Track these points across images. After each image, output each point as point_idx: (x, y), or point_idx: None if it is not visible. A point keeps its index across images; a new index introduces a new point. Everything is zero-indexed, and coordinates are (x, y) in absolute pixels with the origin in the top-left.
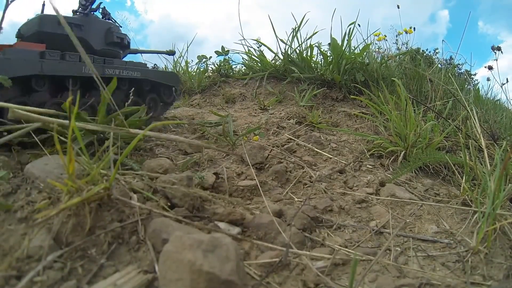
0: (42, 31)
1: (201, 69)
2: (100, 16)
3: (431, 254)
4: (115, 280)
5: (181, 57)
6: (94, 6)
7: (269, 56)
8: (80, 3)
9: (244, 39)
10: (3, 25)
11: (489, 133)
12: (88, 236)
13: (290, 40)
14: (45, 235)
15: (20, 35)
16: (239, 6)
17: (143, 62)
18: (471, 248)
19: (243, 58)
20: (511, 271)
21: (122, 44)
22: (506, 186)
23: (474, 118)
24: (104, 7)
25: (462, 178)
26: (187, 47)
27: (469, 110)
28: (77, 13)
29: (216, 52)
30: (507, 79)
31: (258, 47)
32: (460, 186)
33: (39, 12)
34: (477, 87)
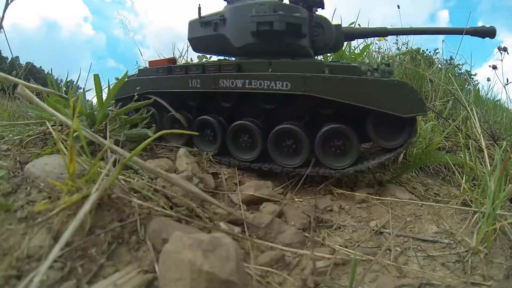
0: (190, 37)
1: None
2: None
3: (431, 254)
4: (115, 280)
5: (181, 57)
6: None
7: None
8: None
9: None
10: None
11: (489, 133)
12: (88, 236)
13: None
14: (45, 235)
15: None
16: None
17: (325, 62)
18: (471, 248)
19: None
20: (511, 271)
21: (287, 33)
22: (506, 186)
23: (474, 118)
24: None
25: (462, 178)
26: (188, 47)
27: (469, 110)
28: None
29: None
30: (507, 79)
31: None
32: (460, 186)
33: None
34: (477, 87)
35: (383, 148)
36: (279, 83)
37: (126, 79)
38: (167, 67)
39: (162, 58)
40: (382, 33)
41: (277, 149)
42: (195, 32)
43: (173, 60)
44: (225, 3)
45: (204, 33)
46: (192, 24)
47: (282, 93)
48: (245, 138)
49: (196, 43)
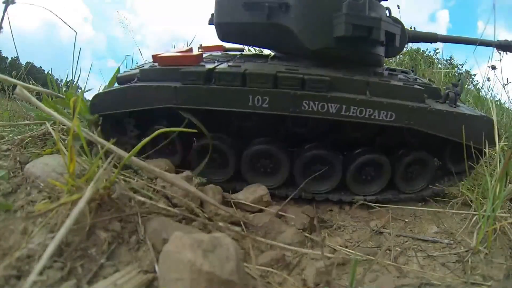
0: (220, 22)
1: None
2: None
3: (431, 254)
4: (115, 280)
5: None
6: None
7: None
8: None
9: None
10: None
11: None
12: (88, 236)
13: None
14: (45, 235)
15: (212, 21)
16: None
17: (428, 85)
18: (471, 248)
19: None
20: (511, 271)
21: (369, 37)
22: (506, 186)
23: None
24: None
25: None
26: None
27: None
28: None
29: None
30: (507, 79)
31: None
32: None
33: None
34: (477, 87)
35: (454, 172)
36: (383, 113)
37: (118, 84)
38: (206, 72)
39: (173, 51)
40: (432, 39)
41: (356, 179)
42: (232, 16)
43: (199, 57)
44: None
45: (250, 19)
46: (224, 3)
47: (383, 123)
48: (320, 167)
49: (230, 30)
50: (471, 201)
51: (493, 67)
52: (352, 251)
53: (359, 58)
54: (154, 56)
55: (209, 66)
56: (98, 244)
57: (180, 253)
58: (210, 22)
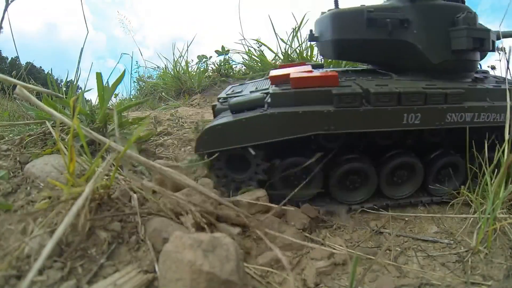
0: (339, 39)
1: (201, 69)
2: None
3: (431, 254)
4: (115, 280)
5: (181, 57)
6: None
7: (269, 56)
8: None
9: (244, 38)
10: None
11: None
12: (88, 236)
13: (290, 40)
14: (45, 235)
15: (313, 37)
16: (239, 5)
17: None
18: (471, 248)
19: (243, 58)
20: (511, 271)
21: (481, 48)
22: (507, 186)
23: None
24: None
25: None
26: (187, 47)
27: None
28: None
29: (216, 51)
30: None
31: (258, 47)
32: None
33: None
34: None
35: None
36: (502, 115)
37: (232, 112)
38: (362, 93)
39: (296, 71)
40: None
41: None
42: (353, 33)
43: (335, 77)
44: None
45: (372, 35)
46: (344, 20)
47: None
48: (448, 171)
49: (350, 47)
50: (471, 201)
51: (493, 67)
52: (352, 251)
53: (466, 67)
54: (274, 77)
55: (355, 86)
56: (98, 244)
57: (180, 253)
58: (310, 39)
